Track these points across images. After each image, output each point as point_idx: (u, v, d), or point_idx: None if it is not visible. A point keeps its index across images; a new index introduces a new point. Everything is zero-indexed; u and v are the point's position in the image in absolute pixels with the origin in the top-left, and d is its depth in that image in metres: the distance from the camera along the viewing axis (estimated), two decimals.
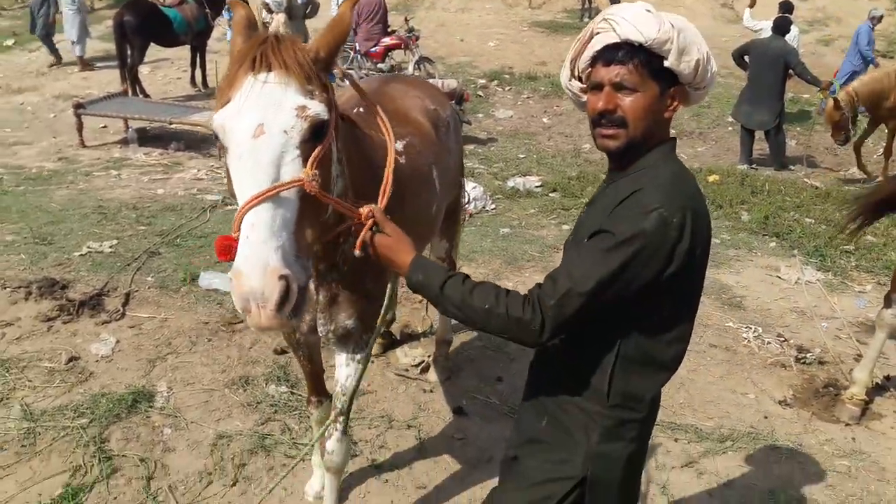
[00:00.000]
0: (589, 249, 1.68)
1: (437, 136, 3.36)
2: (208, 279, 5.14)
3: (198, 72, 11.98)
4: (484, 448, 3.65)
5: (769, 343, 4.81)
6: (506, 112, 12.24)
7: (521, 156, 9.78)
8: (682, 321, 1.81)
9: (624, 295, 1.66)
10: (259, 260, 1.58)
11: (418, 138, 3.09)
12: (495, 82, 13.84)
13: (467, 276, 1.77)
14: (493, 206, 7.53)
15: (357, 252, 1.84)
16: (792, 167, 9.85)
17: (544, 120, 11.97)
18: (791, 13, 10.86)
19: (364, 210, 1.87)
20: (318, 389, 2.95)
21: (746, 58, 9.55)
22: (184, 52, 12.35)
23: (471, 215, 7.00)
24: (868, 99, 8.83)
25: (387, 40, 13.41)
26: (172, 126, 9.38)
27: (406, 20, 13.53)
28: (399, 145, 2.68)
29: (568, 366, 1.85)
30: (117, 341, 4.31)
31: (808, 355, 4.60)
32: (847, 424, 3.92)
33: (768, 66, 9.22)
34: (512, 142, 10.57)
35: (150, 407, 3.74)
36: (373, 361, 4.35)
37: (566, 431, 1.85)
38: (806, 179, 9.20)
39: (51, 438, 3.42)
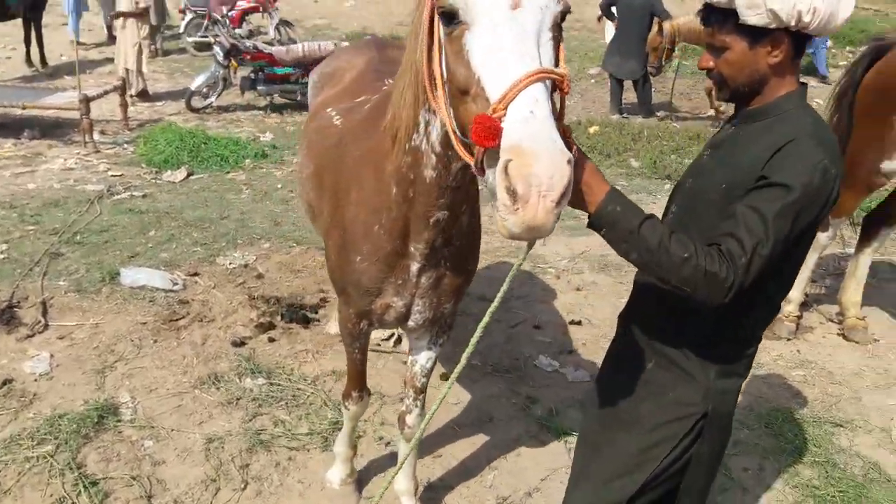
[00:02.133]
0: (764, 203, 1.64)
1: None
2: (131, 276, 4.70)
3: (34, 48, 10.62)
4: (480, 408, 3.70)
5: None
6: None
7: None
8: (798, 265, 1.86)
9: (786, 247, 1.67)
10: (550, 138, 1.33)
11: None
12: None
13: (659, 220, 1.69)
14: None
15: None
16: (658, 113, 10.54)
17: None
18: None
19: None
20: (362, 384, 2.81)
21: (614, 9, 9.97)
22: (13, 27, 10.96)
23: None
24: (687, 37, 9.61)
25: (243, 3, 12.67)
26: (21, 112, 8.30)
27: None
28: None
29: (692, 310, 1.79)
30: (51, 356, 3.85)
31: None
32: (787, 339, 4.36)
33: (636, 16, 9.71)
34: None
35: (119, 421, 3.39)
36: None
37: (679, 371, 1.88)
38: (674, 124, 9.89)
39: (16, 473, 3.02)
